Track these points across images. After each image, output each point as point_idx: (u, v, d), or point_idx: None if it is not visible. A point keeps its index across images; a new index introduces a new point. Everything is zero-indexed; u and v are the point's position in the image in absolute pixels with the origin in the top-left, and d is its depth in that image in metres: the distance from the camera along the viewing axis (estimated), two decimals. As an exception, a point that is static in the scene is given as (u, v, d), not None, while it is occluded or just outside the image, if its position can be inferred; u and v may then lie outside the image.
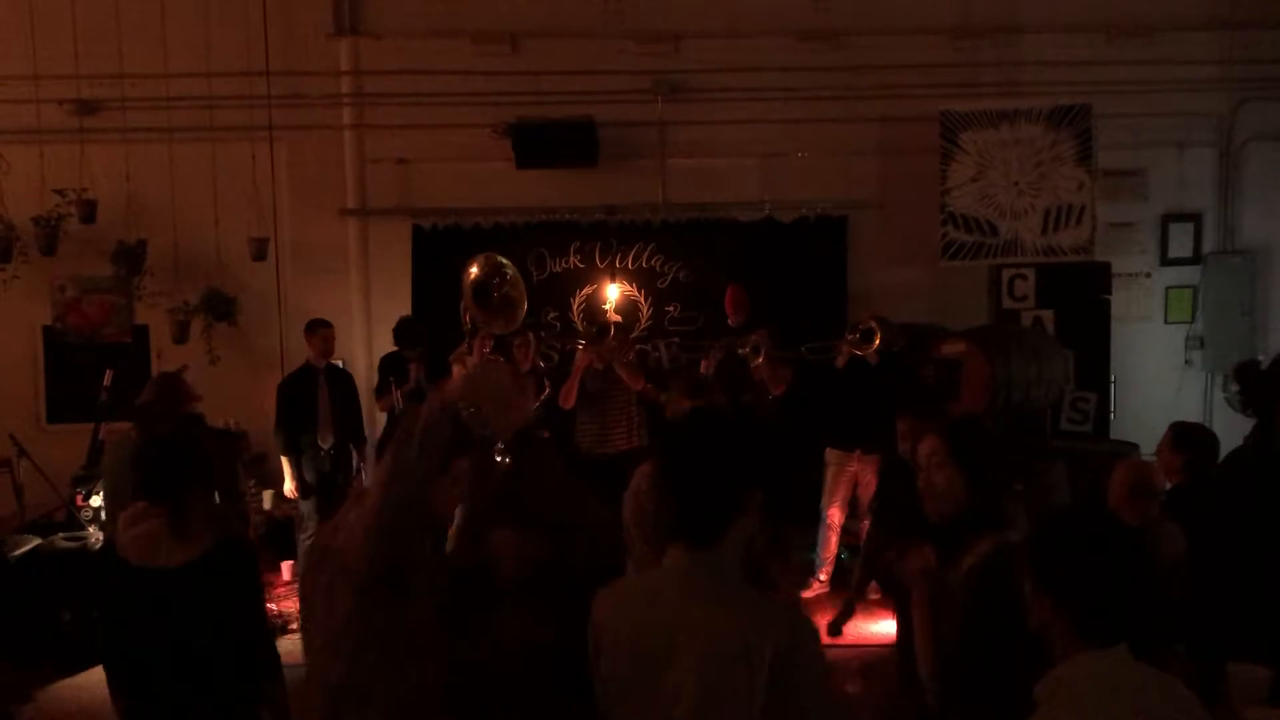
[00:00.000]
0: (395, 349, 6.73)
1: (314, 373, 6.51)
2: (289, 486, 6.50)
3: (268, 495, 7.24)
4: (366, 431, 7.03)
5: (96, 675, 2.79)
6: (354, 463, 6.59)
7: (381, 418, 6.93)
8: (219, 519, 2.93)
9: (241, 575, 2.73)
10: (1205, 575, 3.42)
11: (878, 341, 6.01)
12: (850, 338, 6.11)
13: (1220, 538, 3.65)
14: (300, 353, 6.81)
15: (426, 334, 6.67)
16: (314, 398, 6.42)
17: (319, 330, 6.55)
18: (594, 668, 1.99)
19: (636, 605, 1.95)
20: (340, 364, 7.37)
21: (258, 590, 2.85)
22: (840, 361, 6.15)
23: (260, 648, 2.75)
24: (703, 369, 6.42)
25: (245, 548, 2.97)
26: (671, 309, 7.79)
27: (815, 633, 1.85)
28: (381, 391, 6.72)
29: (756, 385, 6.17)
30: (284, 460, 6.47)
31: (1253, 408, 4.37)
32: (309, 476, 6.38)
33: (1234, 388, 4.51)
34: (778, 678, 1.75)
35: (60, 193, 7.06)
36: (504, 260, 5.81)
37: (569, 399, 6.22)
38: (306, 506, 6.43)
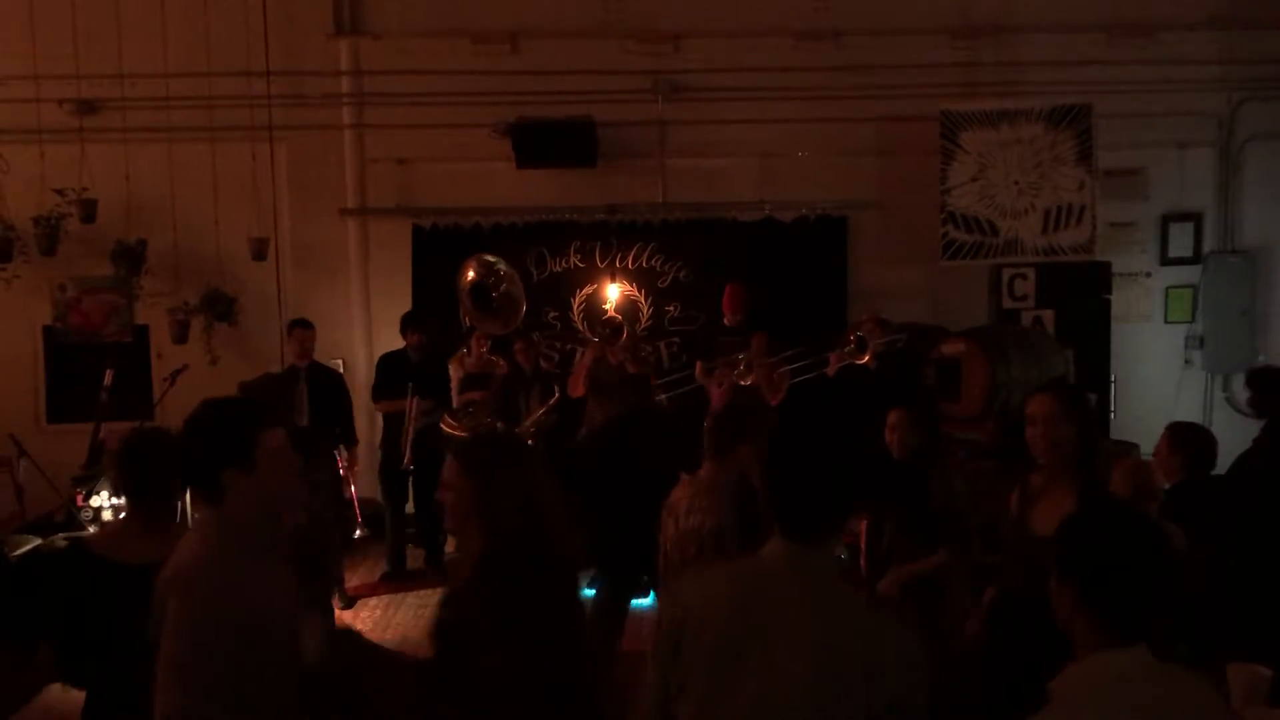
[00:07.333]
0: (393, 349, 6.69)
1: (295, 372, 6.40)
2: None
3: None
4: (369, 432, 7.01)
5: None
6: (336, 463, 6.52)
7: (379, 419, 6.90)
8: None
9: None
10: (1205, 575, 3.41)
11: (870, 353, 6.00)
12: (845, 349, 6.10)
13: (1221, 538, 3.65)
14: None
15: (428, 323, 6.67)
16: (292, 397, 6.24)
17: (294, 331, 6.50)
18: (676, 653, 1.99)
19: (734, 591, 1.98)
20: (339, 364, 7.34)
21: None
22: (830, 371, 6.15)
23: None
24: (698, 372, 6.41)
25: None
26: (671, 309, 7.79)
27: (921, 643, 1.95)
28: (378, 393, 6.71)
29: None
30: None
31: (1265, 412, 4.35)
32: None
33: (1246, 394, 4.49)
34: (898, 684, 1.86)
35: (60, 193, 7.04)
36: (495, 259, 5.83)
37: (576, 388, 6.24)
38: None
